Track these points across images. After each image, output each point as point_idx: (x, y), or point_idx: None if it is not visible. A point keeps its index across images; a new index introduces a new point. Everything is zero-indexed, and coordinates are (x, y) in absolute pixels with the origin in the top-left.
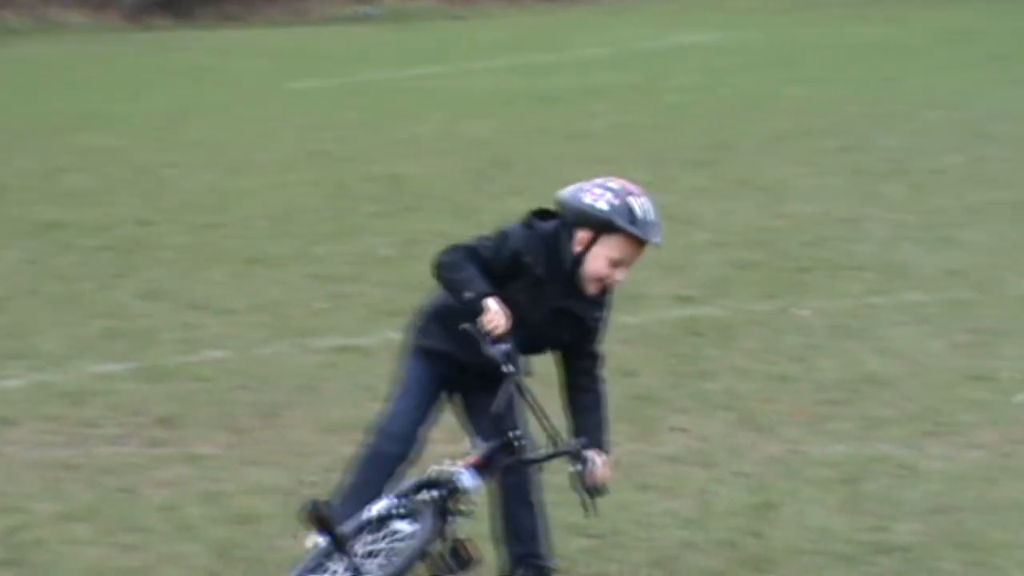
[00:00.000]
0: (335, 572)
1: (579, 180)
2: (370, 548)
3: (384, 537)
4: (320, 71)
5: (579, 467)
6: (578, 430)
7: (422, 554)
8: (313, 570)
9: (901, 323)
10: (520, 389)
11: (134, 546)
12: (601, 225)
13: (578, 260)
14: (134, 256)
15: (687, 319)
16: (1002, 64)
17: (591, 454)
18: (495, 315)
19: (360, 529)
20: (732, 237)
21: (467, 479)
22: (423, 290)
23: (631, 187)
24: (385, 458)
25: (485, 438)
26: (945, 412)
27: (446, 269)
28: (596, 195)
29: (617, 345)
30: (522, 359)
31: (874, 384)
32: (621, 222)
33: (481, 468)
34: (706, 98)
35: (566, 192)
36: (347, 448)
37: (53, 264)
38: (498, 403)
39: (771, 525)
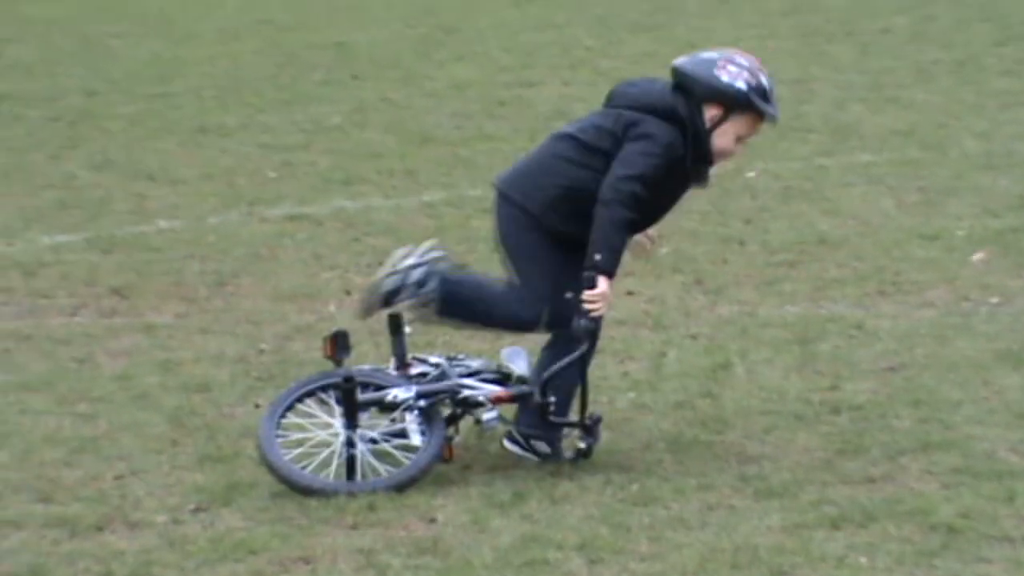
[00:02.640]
0: (330, 421)
1: (528, 45)
2: (374, 435)
3: (393, 435)
4: None
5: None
6: None
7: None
8: (311, 396)
9: (850, 184)
10: (584, 364)
11: (90, 415)
12: (737, 104)
13: (707, 135)
14: (82, 127)
15: None
16: None
17: None
18: (603, 299)
19: (376, 403)
20: None
21: (489, 414)
22: (373, 158)
23: (756, 62)
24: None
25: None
26: (896, 271)
27: (618, 225)
28: (732, 73)
29: None
30: None
31: (825, 245)
32: (759, 102)
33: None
34: None
35: (690, 65)
36: (300, 316)
37: (1, 136)
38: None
39: (724, 386)
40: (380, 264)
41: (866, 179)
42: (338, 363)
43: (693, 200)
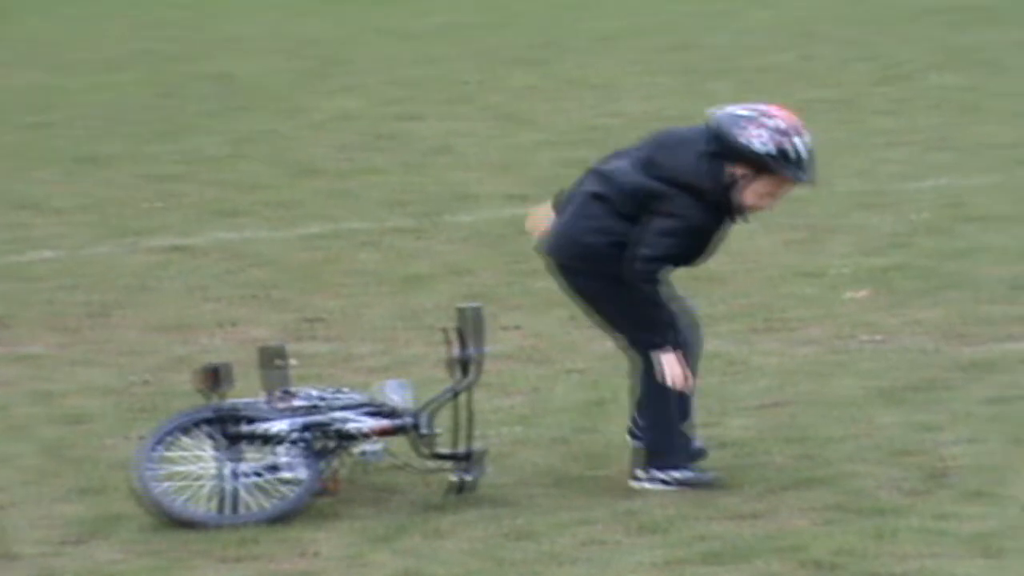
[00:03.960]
0: (205, 454)
1: (413, 78)
2: (251, 468)
3: (271, 468)
4: None
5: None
6: None
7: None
8: (186, 430)
9: None
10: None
11: None
12: (760, 166)
13: (732, 189)
14: None
15: (519, 218)
16: None
17: None
18: (674, 369)
19: (251, 436)
20: (563, 136)
21: (371, 447)
22: (255, 189)
23: (790, 122)
24: None
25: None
26: (776, 308)
27: (649, 304)
28: (755, 136)
29: (450, 245)
30: None
31: (706, 281)
32: (778, 166)
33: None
34: None
35: (723, 120)
36: (178, 348)
37: None
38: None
39: (604, 421)
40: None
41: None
42: (215, 396)
43: None
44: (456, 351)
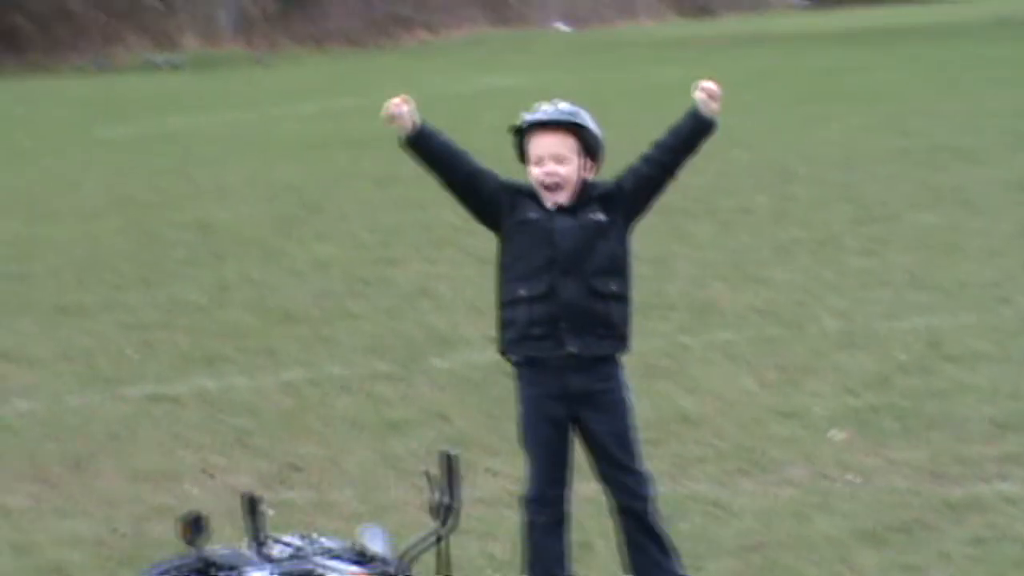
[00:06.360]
0: None
1: (389, 224)
2: None
3: None
4: (127, 119)
5: None
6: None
7: None
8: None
9: (711, 361)
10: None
11: None
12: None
13: None
14: None
15: (499, 361)
16: (803, 105)
17: None
18: None
19: None
20: None
21: None
22: (234, 336)
23: None
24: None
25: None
26: (757, 449)
27: None
28: None
29: (430, 389)
30: None
31: (686, 423)
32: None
33: None
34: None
35: None
36: (158, 497)
37: None
38: None
39: (586, 566)
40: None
41: (727, 357)
42: (194, 545)
43: None
44: (436, 496)
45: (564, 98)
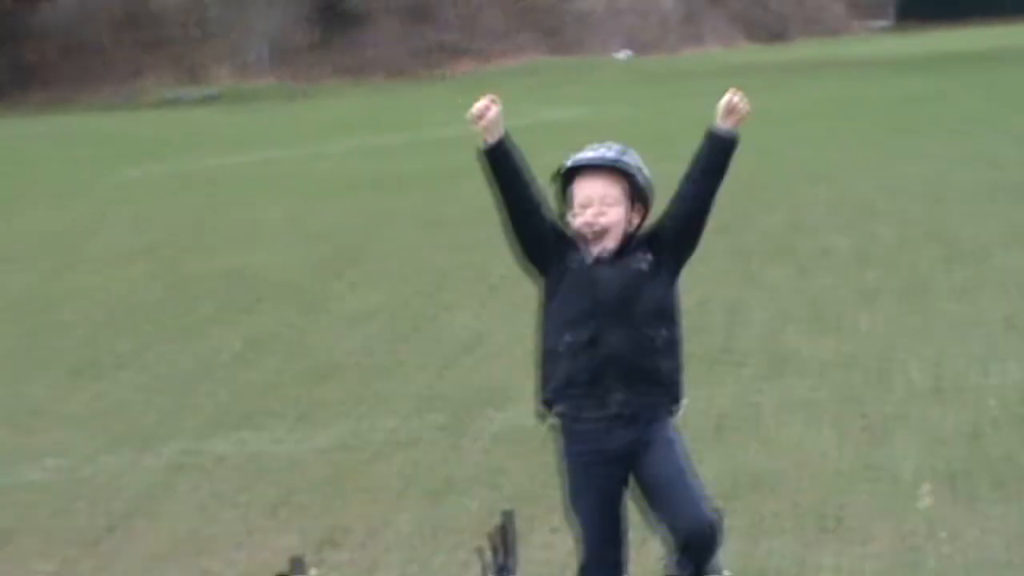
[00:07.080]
0: None
1: (437, 269)
2: None
3: None
4: (156, 157)
5: None
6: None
7: None
8: None
9: (788, 416)
10: None
11: None
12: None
13: None
14: None
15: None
16: (885, 136)
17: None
18: None
19: None
20: None
21: None
22: (273, 390)
23: None
24: None
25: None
26: (838, 511)
27: None
28: None
29: (483, 447)
30: None
31: (761, 482)
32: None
33: None
34: None
35: None
36: (194, 563)
37: None
38: None
39: None
40: None
41: (805, 411)
42: None
43: None
44: (490, 561)
45: (626, 129)
